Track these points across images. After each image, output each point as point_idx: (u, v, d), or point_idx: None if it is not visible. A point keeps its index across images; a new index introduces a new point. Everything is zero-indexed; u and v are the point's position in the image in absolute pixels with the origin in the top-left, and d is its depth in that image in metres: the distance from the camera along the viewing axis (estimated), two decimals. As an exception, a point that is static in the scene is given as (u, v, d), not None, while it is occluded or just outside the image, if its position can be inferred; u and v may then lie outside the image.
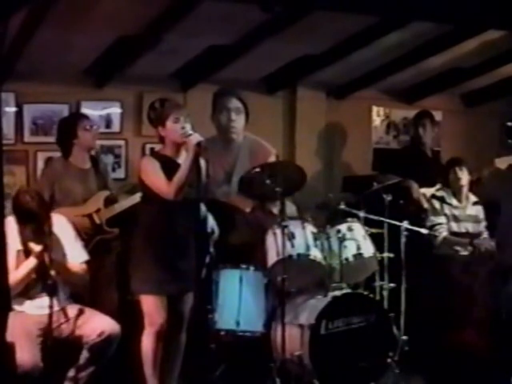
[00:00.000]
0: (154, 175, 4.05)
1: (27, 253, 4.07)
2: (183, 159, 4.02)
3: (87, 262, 4.34)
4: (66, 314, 4.11)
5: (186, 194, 4.00)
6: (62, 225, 4.32)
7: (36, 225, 4.08)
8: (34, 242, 4.03)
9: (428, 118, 6.29)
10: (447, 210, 5.57)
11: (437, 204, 5.58)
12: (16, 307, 4.02)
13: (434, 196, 5.65)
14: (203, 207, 4.08)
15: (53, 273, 3.94)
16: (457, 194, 5.62)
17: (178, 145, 4.10)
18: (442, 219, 5.53)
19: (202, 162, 3.98)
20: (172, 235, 4.10)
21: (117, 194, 5.11)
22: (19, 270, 4.04)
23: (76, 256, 4.30)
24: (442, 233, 5.48)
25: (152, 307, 4.09)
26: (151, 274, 4.07)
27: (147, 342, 4.17)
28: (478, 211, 5.68)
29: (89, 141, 5.02)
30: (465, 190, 5.63)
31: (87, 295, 4.51)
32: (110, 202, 4.99)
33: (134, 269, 4.14)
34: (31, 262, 4.03)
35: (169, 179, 3.97)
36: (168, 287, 4.08)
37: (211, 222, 4.23)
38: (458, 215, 5.59)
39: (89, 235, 4.72)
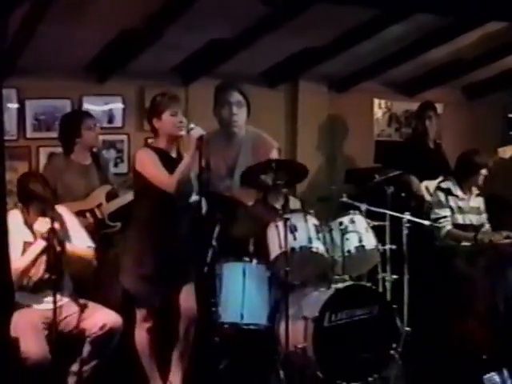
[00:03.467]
0: (154, 168, 4.05)
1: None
2: (179, 153, 4.04)
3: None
4: (69, 309, 4.11)
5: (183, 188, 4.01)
6: (64, 212, 4.32)
7: (42, 208, 4.05)
8: (40, 225, 3.98)
9: (433, 109, 6.27)
10: (452, 201, 5.53)
11: (442, 196, 5.54)
12: (21, 302, 4.02)
13: (439, 188, 5.61)
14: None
15: (59, 249, 3.90)
16: (463, 185, 5.59)
17: (171, 138, 4.11)
18: (447, 212, 5.50)
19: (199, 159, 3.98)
20: (167, 229, 4.11)
21: (118, 188, 5.13)
22: (26, 255, 4.01)
23: (83, 240, 4.30)
24: (446, 226, 5.46)
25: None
26: (143, 271, 4.09)
27: (141, 338, 4.21)
28: (480, 203, 5.66)
29: (92, 139, 5.04)
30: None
31: (91, 289, 4.52)
32: (111, 196, 5.01)
33: (127, 264, 4.17)
34: (39, 244, 4.00)
35: None
36: (161, 283, 4.11)
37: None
38: (463, 207, 5.56)
39: (91, 230, 4.72)
